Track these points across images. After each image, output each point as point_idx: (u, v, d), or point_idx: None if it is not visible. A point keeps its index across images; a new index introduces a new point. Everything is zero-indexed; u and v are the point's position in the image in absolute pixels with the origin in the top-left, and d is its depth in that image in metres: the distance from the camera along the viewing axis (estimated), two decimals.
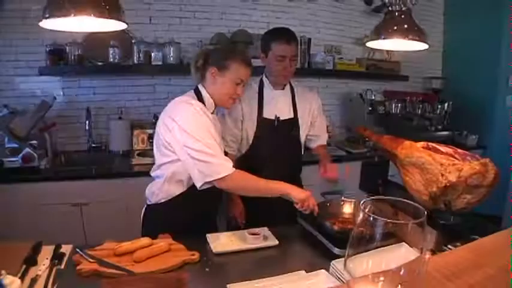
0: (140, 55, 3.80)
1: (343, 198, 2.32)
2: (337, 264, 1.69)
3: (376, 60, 4.84)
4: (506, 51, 4.47)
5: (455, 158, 1.96)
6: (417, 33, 2.02)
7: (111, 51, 3.68)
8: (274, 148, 2.74)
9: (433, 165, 1.95)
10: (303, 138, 2.89)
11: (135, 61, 3.82)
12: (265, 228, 2.19)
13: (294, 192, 2.08)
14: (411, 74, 5.09)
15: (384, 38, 2.10)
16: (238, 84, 2.22)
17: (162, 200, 2.25)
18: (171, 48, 3.84)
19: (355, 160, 4.02)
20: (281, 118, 2.74)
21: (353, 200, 2.29)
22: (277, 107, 2.75)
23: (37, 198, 3.11)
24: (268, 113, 2.73)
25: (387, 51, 4.85)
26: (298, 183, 2.85)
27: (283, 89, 2.80)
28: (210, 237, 2.08)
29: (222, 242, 2.05)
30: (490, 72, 4.67)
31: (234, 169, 2.07)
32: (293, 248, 2.12)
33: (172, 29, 4.04)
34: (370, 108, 4.40)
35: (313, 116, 2.92)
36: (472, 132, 4.84)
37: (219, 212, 2.52)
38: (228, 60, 2.18)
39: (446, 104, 4.86)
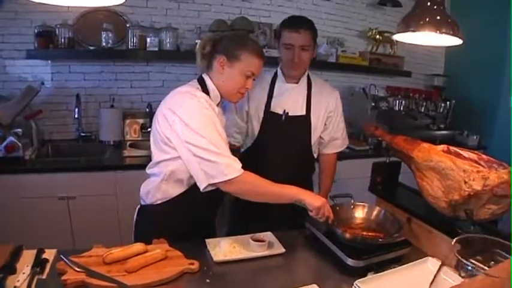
0: (135, 40, 3.58)
1: (353, 201, 2.15)
2: (362, 285, 1.52)
3: (379, 55, 4.69)
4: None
5: (479, 164, 1.80)
6: (451, 26, 1.83)
7: (103, 35, 3.47)
8: (280, 145, 2.54)
9: (455, 171, 1.80)
10: (313, 139, 2.63)
11: (129, 46, 3.60)
12: (270, 234, 2.02)
13: (309, 200, 1.90)
14: (413, 70, 4.96)
15: (413, 31, 1.90)
16: (249, 77, 2.02)
17: (159, 201, 2.04)
18: (168, 34, 3.63)
19: (358, 158, 3.91)
20: (290, 114, 2.52)
21: (365, 204, 2.13)
22: (288, 101, 2.53)
23: (21, 191, 2.92)
24: (277, 107, 2.53)
25: (391, 45, 4.71)
26: (307, 186, 2.65)
27: (298, 82, 2.56)
28: (209, 243, 1.91)
29: (223, 249, 1.87)
30: (493, 72, 4.55)
31: (242, 170, 1.86)
32: (301, 256, 1.96)
33: (170, 14, 3.83)
34: (373, 104, 4.23)
35: (328, 116, 2.66)
36: (472, 132, 4.74)
37: (218, 214, 2.32)
38: (240, 50, 1.97)
39: (449, 103, 4.76)
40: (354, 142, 4.11)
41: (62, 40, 3.41)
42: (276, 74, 2.59)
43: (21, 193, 2.91)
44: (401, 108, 4.38)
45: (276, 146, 2.54)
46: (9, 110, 3.01)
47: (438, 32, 1.82)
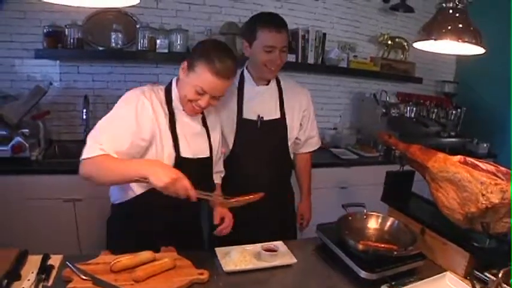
0: (144, 41, 3.52)
1: (365, 211, 2.10)
2: None
3: (391, 60, 4.63)
4: None
5: (497, 176, 1.75)
6: (473, 34, 1.77)
7: (113, 36, 3.42)
8: (257, 152, 2.41)
9: (472, 183, 1.75)
10: (290, 141, 2.51)
11: (139, 47, 3.55)
12: (281, 243, 1.98)
13: (153, 177, 1.58)
14: (424, 76, 4.89)
15: (434, 39, 1.84)
16: (201, 95, 1.82)
17: (117, 201, 1.99)
18: (178, 36, 3.57)
19: (368, 165, 3.85)
20: (265, 118, 2.37)
21: (379, 215, 2.08)
22: (261, 105, 2.38)
23: (26, 193, 2.87)
24: (250, 113, 2.37)
25: (403, 51, 4.65)
26: (287, 187, 2.66)
27: (268, 84, 2.41)
28: (218, 252, 1.87)
29: (233, 258, 1.81)
30: (504, 79, 4.45)
31: (100, 153, 1.67)
32: (312, 267, 1.90)
33: (180, 16, 3.78)
34: (384, 110, 4.17)
35: (303, 115, 2.54)
36: (482, 139, 4.69)
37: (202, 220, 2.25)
38: (199, 61, 1.78)
39: (460, 110, 4.71)
40: (364, 148, 4.07)
41: (71, 40, 3.37)
42: (242, 77, 2.40)
43: (26, 194, 2.87)
44: (413, 115, 4.32)
45: (253, 153, 2.41)
46: (17, 109, 2.97)
47: (460, 40, 1.77)
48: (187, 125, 1.94)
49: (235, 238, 2.02)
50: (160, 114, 1.85)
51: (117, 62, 3.68)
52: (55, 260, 1.72)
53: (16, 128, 2.95)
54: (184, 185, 1.59)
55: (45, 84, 3.19)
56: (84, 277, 1.56)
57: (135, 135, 1.77)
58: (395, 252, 1.77)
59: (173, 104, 1.90)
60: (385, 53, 4.66)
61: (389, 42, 4.58)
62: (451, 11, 1.82)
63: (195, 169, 1.87)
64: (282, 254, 1.88)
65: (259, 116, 2.36)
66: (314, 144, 2.68)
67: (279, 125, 2.43)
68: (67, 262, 1.64)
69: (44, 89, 3.13)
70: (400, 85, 4.83)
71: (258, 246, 1.89)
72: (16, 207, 2.86)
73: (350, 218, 2.04)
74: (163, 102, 1.89)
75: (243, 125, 2.36)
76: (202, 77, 1.77)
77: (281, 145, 2.48)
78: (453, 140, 4.59)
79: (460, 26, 1.78)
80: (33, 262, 1.68)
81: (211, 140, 2.06)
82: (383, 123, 4.14)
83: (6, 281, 1.53)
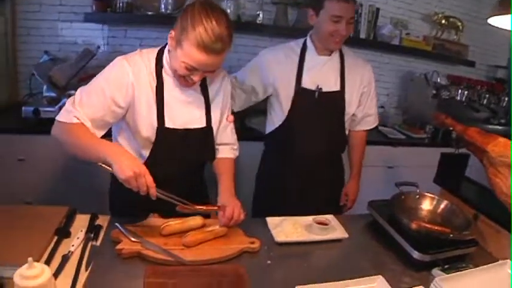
0: None
1: (419, 191, 2.01)
2: (442, 283, 1.39)
3: (444, 41, 4.43)
4: None
5: None
6: None
7: (163, 1, 3.36)
8: (312, 124, 2.33)
9: None
10: (347, 116, 2.40)
11: None
12: (332, 217, 1.91)
13: (117, 166, 1.43)
14: (476, 59, 4.66)
15: None
16: (191, 70, 1.61)
17: None
18: (229, 3, 3.46)
19: (414, 146, 3.73)
20: (324, 90, 2.27)
21: (434, 196, 1.98)
22: (321, 76, 2.28)
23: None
24: (309, 83, 2.27)
25: (456, 31, 4.45)
26: (338, 166, 2.55)
27: (330, 55, 2.30)
28: (270, 222, 1.82)
29: (284, 229, 1.77)
30: None
31: (73, 121, 1.57)
32: (363, 243, 1.84)
33: None
34: (434, 92, 4.01)
35: (363, 91, 2.42)
36: None
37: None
38: (184, 34, 1.54)
39: None
40: (411, 129, 3.93)
41: (120, 4, 3.32)
42: (304, 45, 2.32)
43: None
44: (463, 99, 4.15)
45: (307, 125, 2.33)
46: (65, 71, 2.96)
47: None
48: (179, 93, 1.76)
49: (279, 209, 1.97)
50: (144, 81, 1.69)
51: (165, 27, 3.58)
52: (102, 221, 1.70)
53: (64, 89, 2.95)
54: (145, 182, 1.45)
55: (93, 48, 3.17)
56: (133, 239, 1.53)
57: (111, 101, 1.64)
58: (451, 235, 1.68)
59: (163, 70, 1.72)
60: (438, 32, 4.46)
61: (443, 21, 4.37)
62: None
63: (184, 141, 1.78)
64: (333, 228, 1.82)
65: (318, 86, 2.27)
66: (371, 122, 2.56)
67: (338, 98, 2.33)
68: (116, 223, 1.61)
69: (92, 51, 3.10)
70: (450, 67, 4.62)
71: (309, 219, 1.83)
72: (67, 168, 2.89)
73: (403, 197, 1.96)
74: (152, 68, 1.71)
75: (300, 94, 2.28)
76: (188, 53, 1.54)
77: (337, 119, 2.39)
78: (503, 127, 4.38)
79: None
80: (82, 221, 1.67)
81: (212, 108, 1.86)
82: (432, 104, 3.99)
83: (56, 237, 1.53)
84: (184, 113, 1.77)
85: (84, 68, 3.13)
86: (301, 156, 2.33)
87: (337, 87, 2.31)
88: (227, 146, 2.00)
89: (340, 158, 2.55)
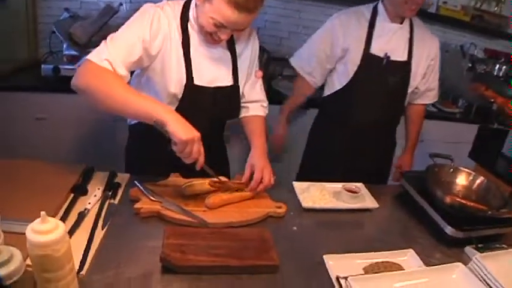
0: None
1: (453, 164, 1.89)
2: (484, 261, 1.29)
3: (483, 12, 4.19)
4: None
5: None
6: None
7: None
8: (375, 92, 2.23)
9: None
10: (410, 88, 2.31)
11: None
12: (362, 185, 1.81)
13: (174, 127, 1.32)
14: None
15: None
16: (219, 27, 1.51)
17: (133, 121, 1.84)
18: None
19: (445, 120, 3.58)
20: (391, 58, 2.17)
21: (470, 172, 1.84)
22: (390, 44, 2.18)
23: (89, 112, 2.77)
24: (377, 49, 2.18)
25: (497, 2, 4.23)
26: (391, 139, 2.46)
27: (402, 23, 2.20)
28: (297, 186, 1.73)
29: (312, 194, 1.67)
30: None
31: (104, 64, 1.41)
32: (393, 214, 1.74)
33: None
34: (469, 65, 3.84)
35: (429, 64, 2.30)
36: None
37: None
38: None
39: None
40: (443, 103, 3.77)
41: None
42: (375, 10, 2.22)
43: (90, 113, 2.80)
44: (500, 74, 3.96)
45: (369, 93, 2.24)
46: (86, 28, 2.86)
47: None
48: (205, 49, 1.66)
49: (322, 170, 1.93)
50: (175, 34, 1.59)
51: None
52: (122, 179, 1.63)
53: (85, 47, 2.84)
54: (199, 150, 1.37)
55: (115, 5, 3.06)
56: (153, 198, 1.46)
57: (146, 48, 1.52)
58: (489, 212, 1.56)
59: (189, 24, 1.62)
60: (477, 2, 4.24)
61: None
62: None
63: (211, 99, 1.69)
64: (362, 197, 1.73)
65: (386, 54, 2.17)
66: (432, 97, 2.45)
67: (404, 68, 2.23)
68: (135, 181, 1.54)
69: (114, 8, 2.99)
70: (488, 40, 4.38)
71: (338, 186, 1.74)
72: (81, 126, 2.85)
73: (437, 169, 1.84)
74: (178, 21, 1.61)
75: (368, 60, 2.18)
76: (218, 9, 1.44)
77: (400, 90, 2.30)
78: None
79: None
80: (99, 179, 1.61)
81: (239, 64, 1.77)
82: (467, 78, 3.82)
83: (72, 195, 1.47)
84: (211, 69, 1.68)
85: (106, 26, 3.03)
86: (356, 123, 2.26)
87: (404, 58, 2.21)
88: (257, 103, 1.90)
89: (394, 131, 2.46)
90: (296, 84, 2.45)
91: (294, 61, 2.38)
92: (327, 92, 2.37)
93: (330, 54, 2.25)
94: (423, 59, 2.25)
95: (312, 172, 2.29)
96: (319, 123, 2.50)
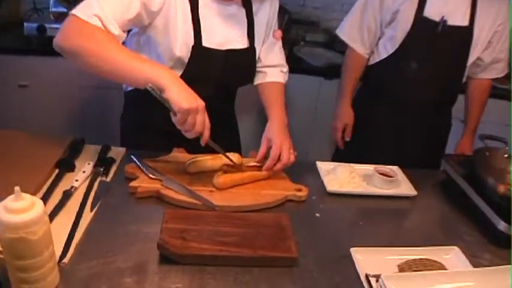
0: None
1: (507, 148, 1.66)
2: None
3: None
4: None
5: None
6: None
7: None
8: (426, 63, 2.01)
9: None
10: (471, 59, 2.03)
11: None
12: (397, 168, 1.61)
13: (173, 92, 1.15)
14: None
15: None
16: None
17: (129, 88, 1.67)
18: None
19: (496, 98, 3.31)
20: (449, 22, 1.91)
21: None
22: (448, 6, 1.91)
23: (80, 77, 2.59)
24: (432, 12, 1.92)
25: None
26: (445, 118, 2.22)
27: None
28: (321, 167, 1.54)
29: (339, 176, 1.48)
30: None
31: (93, 21, 1.21)
32: (435, 205, 1.54)
33: None
34: None
35: (496, 30, 2.01)
36: None
37: None
38: None
39: None
40: (497, 78, 3.54)
41: None
42: None
43: (78, 79, 2.63)
44: None
45: (420, 64, 2.00)
46: None
47: None
48: (217, 5, 1.49)
49: (362, 151, 1.85)
50: None
51: None
52: (116, 154, 1.47)
53: (75, 2, 2.65)
54: (204, 121, 1.19)
55: None
56: (152, 176, 1.29)
57: (145, 3, 1.33)
58: None
59: None
60: None
61: None
62: None
63: (221, 63, 1.51)
64: (398, 182, 1.53)
65: (442, 18, 1.91)
66: (500, 70, 2.17)
67: (464, 35, 1.98)
68: (132, 156, 1.37)
69: None
70: None
71: (370, 168, 1.55)
72: (68, 92, 2.71)
73: (488, 153, 1.63)
74: None
75: (420, 24, 1.94)
76: None
77: (458, 61, 2.04)
78: None
79: None
80: (90, 153, 1.45)
81: (255, 23, 1.60)
82: None
83: (57, 170, 1.31)
84: (223, 29, 1.50)
85: None
86: (403, 98, 2.06)
87: (465, 22, 1.95)
88: (275, 68, 1.71)
89: (449, 111, 2.23)
90: (348, 59, 2.21)
91: (342, 33, 2.16)
92: (372, 61, 2.15)
93: (380, 19, 2.04)
94: (489, 23, 1.98)
95: (349, 153, 2.12)
96: (361, 96, 2.27)
